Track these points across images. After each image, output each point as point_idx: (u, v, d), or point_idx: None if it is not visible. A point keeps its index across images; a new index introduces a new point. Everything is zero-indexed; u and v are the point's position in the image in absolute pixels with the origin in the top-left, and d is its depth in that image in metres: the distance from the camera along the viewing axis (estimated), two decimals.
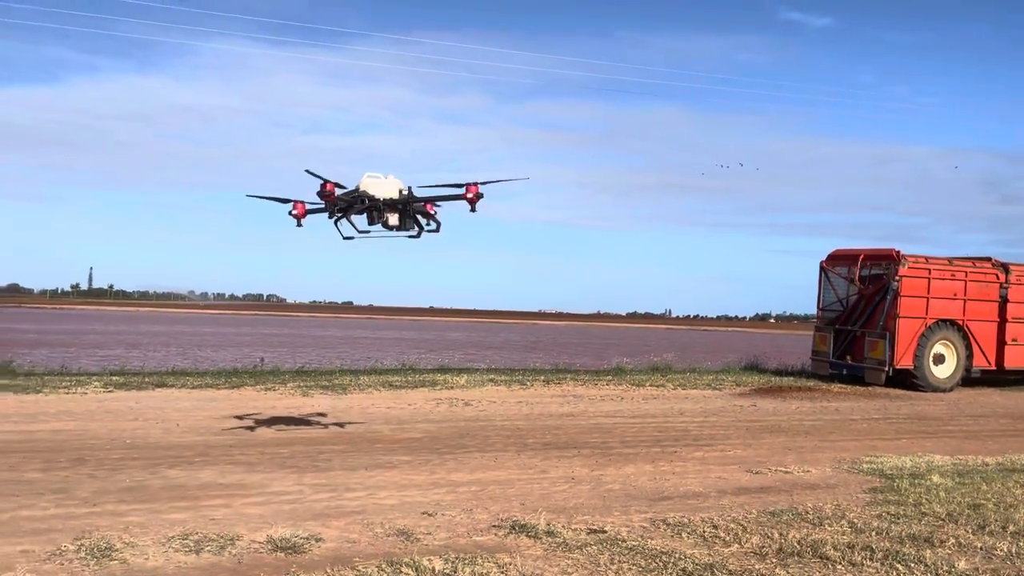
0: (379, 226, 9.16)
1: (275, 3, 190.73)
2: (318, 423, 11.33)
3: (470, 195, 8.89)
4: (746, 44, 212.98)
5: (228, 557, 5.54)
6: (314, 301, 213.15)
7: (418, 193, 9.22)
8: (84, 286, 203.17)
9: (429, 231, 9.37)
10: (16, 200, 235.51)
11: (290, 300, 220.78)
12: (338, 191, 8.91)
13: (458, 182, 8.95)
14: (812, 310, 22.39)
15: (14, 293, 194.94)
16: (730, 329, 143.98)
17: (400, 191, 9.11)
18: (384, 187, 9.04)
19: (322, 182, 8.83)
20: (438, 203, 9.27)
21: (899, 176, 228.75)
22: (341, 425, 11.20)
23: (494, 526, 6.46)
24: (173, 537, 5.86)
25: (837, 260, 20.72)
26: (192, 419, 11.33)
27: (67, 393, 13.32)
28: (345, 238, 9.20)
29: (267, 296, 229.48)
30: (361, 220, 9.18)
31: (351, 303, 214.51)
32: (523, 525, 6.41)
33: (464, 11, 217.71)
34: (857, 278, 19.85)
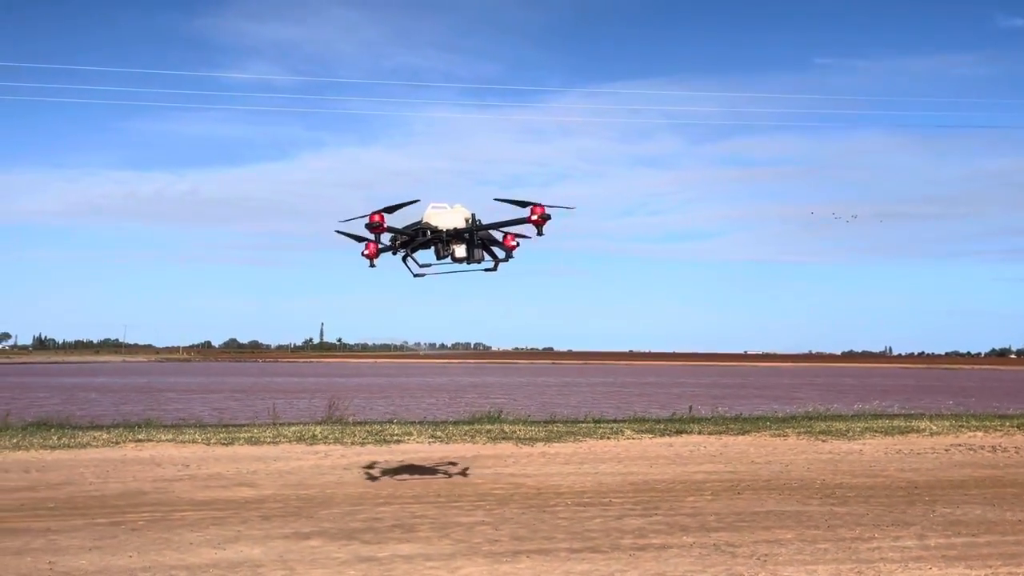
0: (448, 260, 8.67)
1: (477, 69, 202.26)
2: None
3: (535, 217, 8.35)
4: (961, 59, 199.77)
5: None
6: (516, 347, 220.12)
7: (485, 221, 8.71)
8: (316, 340, 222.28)
9: (502, 261, 8.85)
10: (253, 265, 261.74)
11: (494, 347, 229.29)
12: (393, 222, 8.42)
13: (525, 200, 8.42)
14: None
15: (255, 349, 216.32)
16: (975, 367, 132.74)
17: (466, 220, 8.61)
18: (448, 217, 8.58)
19: (369, 215, 8.26)
20: (517, 236, 8.79)
21: None
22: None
23: None
24: None
25: None
26: (800, 460, 12.63)
27: (611, 440, 15.07)
28: (415, 275, 8.76)
29: (474, 344, 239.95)
30: (429, 255, 8.73)
31: (551, 348, 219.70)
32: None
33: (657, 58, 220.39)
34: None
